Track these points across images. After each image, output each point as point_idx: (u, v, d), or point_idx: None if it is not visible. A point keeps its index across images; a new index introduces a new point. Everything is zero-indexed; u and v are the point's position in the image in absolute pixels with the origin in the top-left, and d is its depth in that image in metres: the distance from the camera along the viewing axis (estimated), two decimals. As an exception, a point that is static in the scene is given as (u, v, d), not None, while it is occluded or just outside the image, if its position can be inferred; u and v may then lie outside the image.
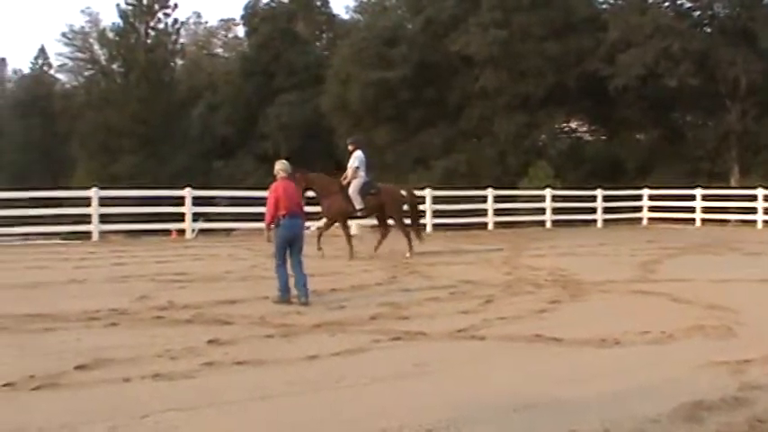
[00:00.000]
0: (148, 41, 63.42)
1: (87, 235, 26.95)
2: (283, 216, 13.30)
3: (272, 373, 8.61)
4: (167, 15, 64.08)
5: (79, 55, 77.88)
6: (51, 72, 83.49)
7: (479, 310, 12.54)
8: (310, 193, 20.73)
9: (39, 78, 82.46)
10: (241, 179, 52.45)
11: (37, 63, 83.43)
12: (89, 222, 26.80)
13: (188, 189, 28.03)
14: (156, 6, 63.42)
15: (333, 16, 70.09)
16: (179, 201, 28.14)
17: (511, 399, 7.72)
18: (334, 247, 20.75)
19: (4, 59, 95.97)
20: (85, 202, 27.48)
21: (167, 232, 30.15)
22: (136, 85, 61.03)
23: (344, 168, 21.21)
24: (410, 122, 51.60)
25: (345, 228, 21.13)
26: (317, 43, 69.53)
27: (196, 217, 28.99)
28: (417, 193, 25.61)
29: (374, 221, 22.58)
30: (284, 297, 13.12)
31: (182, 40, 68.86)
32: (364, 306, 12.73)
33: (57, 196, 31.91)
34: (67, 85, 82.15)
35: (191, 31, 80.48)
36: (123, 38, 63.67)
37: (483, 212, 33.37)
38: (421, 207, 26.98)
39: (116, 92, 62.60)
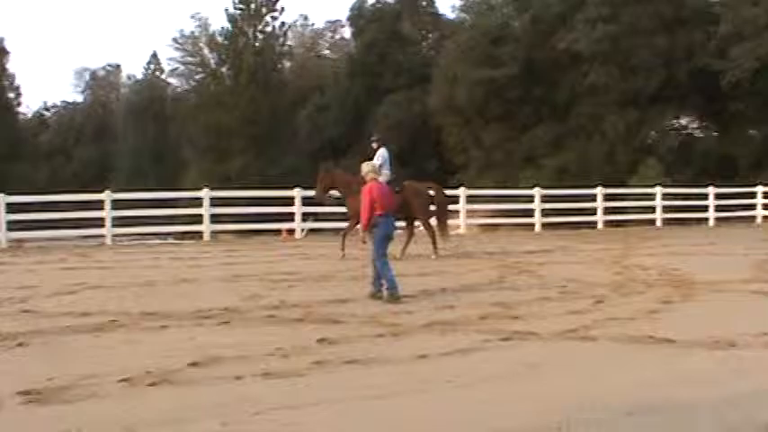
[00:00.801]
0: (257, 44, 64.35)
1: (199, 235, 27.50)
2: (380, 216, 13.61)
3: (381, 373, 8.60)
4: (275, 18, 65.02)
5: (190, 59, 79.40)
6: (163, 77, 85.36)
7: (590, 311, 12.34)
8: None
9: (151, 83, 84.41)
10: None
11: (149, 68, 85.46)
12: (201, 222, 27.34)
13: (297, 189, 28.30)
14: (264, 10, 64.33)
15: (439, 16, 69.98)
16: (288, 201, 28.46)
17: (623, 401, 7.57)
18: (439, 247, 20.64)
19: (118, 66, 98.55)
20: (197, 202, 28.05)
21: (277, 232, 30.51)
22: (245, 88, 62.01)
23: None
24: (518, 121, 51.27)
25: (354, 228, 20.61)
26: (424, 43, 69.54)
27: (305, 217, 29.26)
28: (523, 191, 25.26)
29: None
30: (396, 294, 13.23)
31: (289, 43, 69.72)
32: (474, 305, 12.64)
33: (170, 197, 32.68)
34: (179, 89, 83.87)
35: (298, 34, 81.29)
36: (232, 41, 64.76)
37: (592, 211, 32.90)
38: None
39: (226, 94, 63.71)
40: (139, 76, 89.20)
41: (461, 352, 9.47)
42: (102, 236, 26.90)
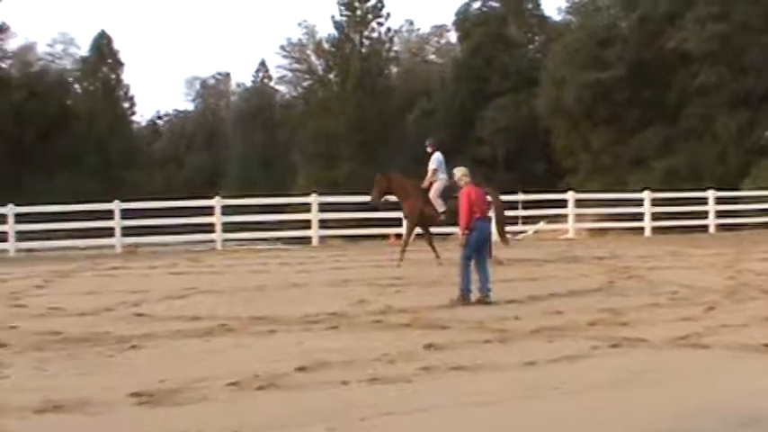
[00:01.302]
0: (363, 50, 64.74)
1: (308, 240, 27.77)
2: (477, 219, 13.71)
3: (488, 379, 8.53)
4: (381, 24, 65.28)
5: (297, 66, 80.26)
6: (271, 84, 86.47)
7: (702, 317, 12.01)
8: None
9: (260, 90, 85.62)
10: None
11: (258, 76, 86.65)
12: (310, 228, 27.61)
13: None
14: (370, 16, 64.67)
15: (544, 18, 69.37)
16: (396, 205, 28.44)
17: (736, 411, 7.34)
18: (547, 252, 20.41)
19: (228, 74, 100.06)
20: (306, 207, 28.34)
21: (385, 237, 30.59)
22: (352, 93, 62.42)
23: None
24: (627, 123, 50.45)
25: (427, 232, 20.46)
26: (530, 46, 69.01)
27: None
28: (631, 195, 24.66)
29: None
30: (467, 296, 13.40)
31: (395, 48, 69.92)
32: (582, 311, 12.44)
33: (279, 203, 33.06)
34: (287, 96, 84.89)
35: (404, 39, 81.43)
36: (339, 48, 65.28)
37: (704, 215, 32.08)
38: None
39: (333, 100, 64.24)
40: (248, 83, 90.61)
41: (569, 358, 9.33)
42: (213, 241, 27.39)
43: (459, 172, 14.54)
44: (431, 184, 19.94)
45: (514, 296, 13.80)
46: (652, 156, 48.55)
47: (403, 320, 11.86)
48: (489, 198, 20.24)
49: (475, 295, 13.64)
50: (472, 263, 13.74)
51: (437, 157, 20.14)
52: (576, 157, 53.77)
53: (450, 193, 19.50)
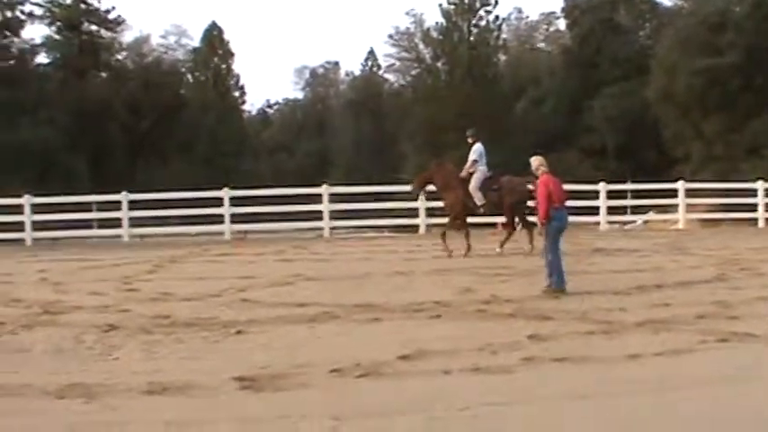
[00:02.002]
0: (471, 39, 64.32)
1: (414, 228, 27.81)
2: (556, 209, 13.55)
3: (591, 372, 8.40)
4: (489, 12, 64.68)
5: (405, 55, 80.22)
6: (380, 72, 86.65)
7: (818, 312, 11.59)
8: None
9: (369, 79, 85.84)
10: (565, 172, 51.99)
11: (367, 65, 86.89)
12: (416, 216, 27.65)
13: (512, 182, 28.15)
14: (478, 4, 64.17)
15: (656, 4, 67.77)
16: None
17: None
18: (656, 242, 20.02)
19: (337, 63, 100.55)
20: (413, 196, 28.35)
21: (492, 225, 30.42)
22: (460, 82, 62.16)
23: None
24: (740, 111, 48.99)
25: (465, 224, 20.09)
26: (640, 32, 67.54)
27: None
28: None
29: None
30: (561, 286, 13.27)
31: (504, 36, 69.25)
32: (690, 304, 12.12)
33: (386, 191, 33.15)
34: (395, 85, 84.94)
35: (512, 27, 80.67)
36: (447, 36, 64.97)
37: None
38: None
39: (441, 89, 64.04)
40: (357, 72, 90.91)
41: (675, 352, 9.10)
42: (320, 228, 27.66)
43: (535, 161, 14.23)
44: (470, 174, 19.74)
45: (621, 287, 13.57)
46: (766, 144, 47.12)
47: (507, 310, 11.77)
48: (531, 188, 20.11)
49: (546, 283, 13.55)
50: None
51: (477, 148, 19.98)
52: (687, 145, 52.55)
53: (489, 185, 19.60)
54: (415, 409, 7.11)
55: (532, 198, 19.85)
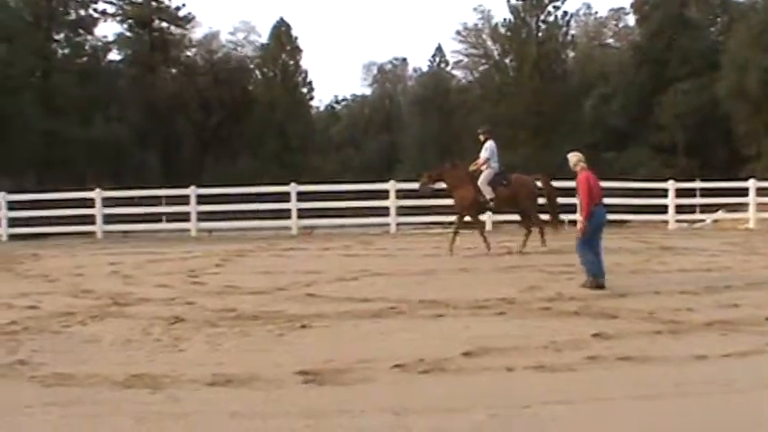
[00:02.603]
0: (539, 35, 63.98)
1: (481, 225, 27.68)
2: (596, 205, 13.59)
3: (656, 372, 8.28)
4: (557, 8, 64.30)
5: (473, 51, 79.97)
6: (448, 69, 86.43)
7: None
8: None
9: (436, 75, 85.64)
10: (633, 170, 51.42)
11: (434, 61, 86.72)
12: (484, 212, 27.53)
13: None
14: (546, 0, 63.81)
15: (727, -1, 66.75)
16: (571, 192, 28.12)
17: None
18: (725, 241, 19.66)
19: (404, 59, 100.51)
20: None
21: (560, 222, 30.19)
22: (529, 78, 61.86)
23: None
24: (813, 107, 48.13)
25: (477, 221, 20.29)
26: (711, 28, 66.50)
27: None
28: None
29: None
30: (600, 280, 13.33)
31: (572, 32, 68.74)
32: (761, 305, 11.83)
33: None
34: (463, 81, 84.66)
35: (581, 23, 79.97)
36: (515, 32, 64.70)
37: None
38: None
39: (509, 85, 63.83)
40: (425, 68, 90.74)
41: (743, 354, 8.92)
42: (387, 224, 27.71)
43: (574, 158, 14.16)
44: (479, 170, 19.74)
45: (689, 287, 13.36)
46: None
47: (572, 308, 11.67)
48: (540, 184, 20.21)
49: (583, 279, 13.66)
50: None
51: (490, 146, 19.88)
52: (758, 143, 51.68)
53: (499, 181, 19.55)
54: (476, 406, 7.09)
55: (542, 195, 19.96)
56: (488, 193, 19.52)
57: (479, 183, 19.53)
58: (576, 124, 61.04)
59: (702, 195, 30.93)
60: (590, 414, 6.98)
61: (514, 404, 7.15)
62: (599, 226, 13.79)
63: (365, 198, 28.77)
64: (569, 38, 67.15)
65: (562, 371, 8.25)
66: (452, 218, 29.71)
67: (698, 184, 30.24)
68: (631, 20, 74.24)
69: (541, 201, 20.52)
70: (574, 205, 25.99)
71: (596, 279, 13.42)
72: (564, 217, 27.10)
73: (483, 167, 19.72)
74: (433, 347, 9.22)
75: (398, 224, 28.01)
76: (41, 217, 28.24)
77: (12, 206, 28.08)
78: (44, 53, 54.93)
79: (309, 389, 7.77)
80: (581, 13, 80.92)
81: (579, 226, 14.02)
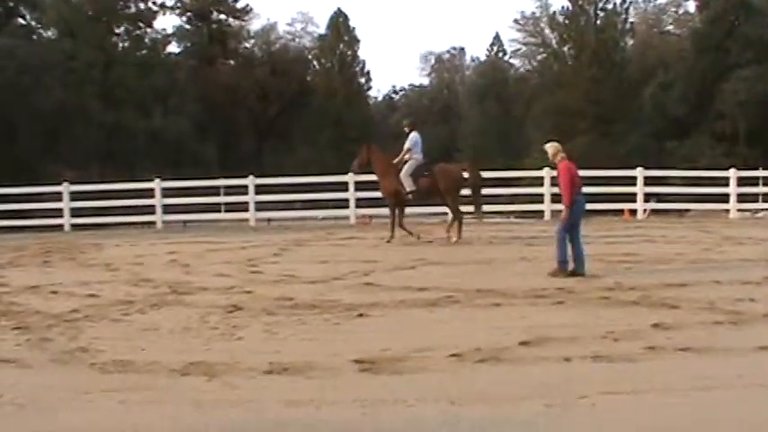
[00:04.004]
0: (598, 23, 63.41)
1: (540, 214, 27.59)
2: (577, 194, 13.97)
3: (717, 363, 8.14)
4: (616, -5, 63.64)
5: (531, 40, 79.44)
6: (506, 58, 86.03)
7: None
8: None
9: (494, 64, 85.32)
10: (694, 159, 50.78)
11: (492, 50, 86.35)
12: (542, 202, 27.43)
13: (639, 169, 27.71)
14: (605, -13, 63.24)
15: (791, -17, 65.41)
16: (631, 180, 27.91)
17: None
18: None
19: (462, 48, 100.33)
20: (538, 181, 28.17)
21: (619, 212, 29.95)
22: (587, 67, 61.35)
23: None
24: None
25: (394, 210, 20.13)
26: (775, 14, 65.27)
27: (648, 197, 28.54)
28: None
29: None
30: (565, 267, 13.66)
31: (631, 20, 67.97)
32: (826, 294, 11.64)
33: (512, 176, 32.96)
34: (521, 70, 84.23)
35: (640, 10, 78.78)
36: (573, 20, 64.22)
37: None
38: None
39: (568, 74, 63.37)
40: (482, 57, 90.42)
41: (807, 345, 8.75)
42: (445, 213, 27.63)
43: (552, 148, 14.51)
44: (404, 162, 19.81)
45: (751, 277, 13.13)
46: None
47: (631, 298, 11.53)
48: (466, 174, 20.13)
49: (570, 266, 13.80)
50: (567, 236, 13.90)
51: (413, 137, 20.06)
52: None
53: (421, 172, 19.56)
54: (533, 396, 7.04)
55: (466, 186, 19.78)
56: (409, 185, 19.64)
57: (401, 174, 19.68)
58: (636, 113, 60.39)
59: (765, 184, 30.40)
60: (649, 405, 6.89)
61: (571, 394, 7.08)
62: (579, 214, 14.09)
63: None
64: (628, 25, 66.42)
65: (620, 361, 8.16)
66: (501, 207, 29.93)
67: (760, 173, 29.72)
68: (691, 6, 73.15)
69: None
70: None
71: (563, 266, 13.73)
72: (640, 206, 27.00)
73: (406, 157, 19.91)
74: (489, 337, 9.18)
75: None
76: (103, 207, 28.65)
77: (74, 197, 28.50)
78: (105, 47, 55.69)
79: (365, 378, 7.78)
80: (640, 0, 79.95)
81: (563, 215, 14.12)
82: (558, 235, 13.97)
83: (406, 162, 19.87)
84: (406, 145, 20.09)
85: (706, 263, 15.35)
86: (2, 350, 9.22)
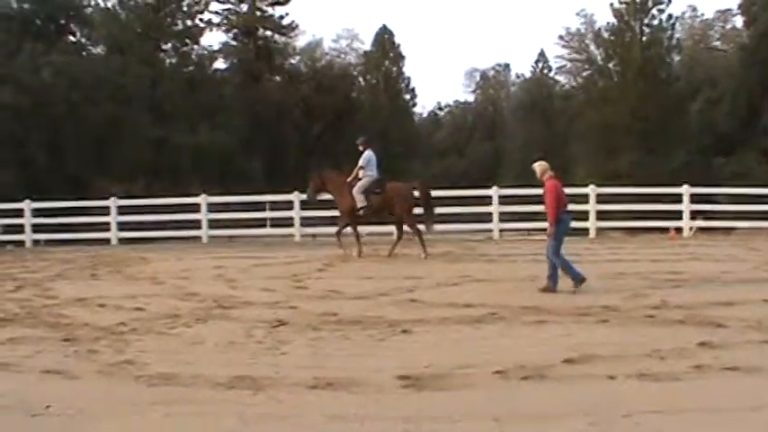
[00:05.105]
0: (644, 39, 62.90)
1: (585, 231, 27.41)
2: (563, 212, 14.29)
3: (765, 383, 8.06)
4: (661, 11, 63.04)
5: (576, 56, 79.29)
6: (551, 74, 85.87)
7: None
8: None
9: (539, 81, 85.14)
10: (742, 176, 50.19)
11: (537, 66, 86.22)
12: (587, 219, 27.26)
13: (686, 186, 27.46)
14: (650, 3, 62.64)
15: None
16: (677, 198, 27.68)
17: None
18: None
19: (507, 65, 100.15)
20: (583, 199, 28.02)
21: (665, 230, 29.70)
22: (633, 83, 60.84)
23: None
24: None
25: (353, 226, 20.82)
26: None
27: (693, 215, 28.26)
28: None
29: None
30: (579, 280, 14.05)
31: (678, 35, 67.41)
32: None
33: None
34: (566, 86, 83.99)
35: (686, 25, 78.40)
36: (618, 36, 63.72)
37: None
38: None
39: (613, 90, 62.88)
40: (527, 74, 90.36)
41: None
42: (490, 230, 27.61)
43: (540, 167, 14.80)
44: (356, 179, 20.36)
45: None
46: None
47: (677, 316, 11.43)
48: (417, 193, 20.55)
49: (542, 283, 14.29)
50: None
51: (366, 156, 20.60)
52: None
53: (373, 189, 20.10)
54: (577, 414, 7.01)
55: (418, 205, 20.38)
56: (360, 202, 20.17)
57: (354, 191, 20.22)
58: (683, 129, 59.85)
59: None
60: (694, 425, 6.83)
61: (615, 413, 7.05)
62: (566, 230, 14.52)
63: (468, 204, 28.71)
64: (674, 41, 65.80)
65: (666, 380, 8.10)
66: (546, 225, 29.75)
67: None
68: (739, 21, 72.48)
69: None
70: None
71: (578, 281, 14.09)
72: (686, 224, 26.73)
73: (360, 175, 20.41)
74: (534, 354, 9.16)
75: (501, 230, 27.87)
76: (150, 221, 28.93)
77: (122, 211, 28.83)
78: (153, 63, 56.29)
79: (409, 394, 7.80)
80: (686, 15, 79.39)
81: (549, 231, 14.39)
82: (553, 257, 14.26)
83: (359, 179, 20.42)
84: (360, 163, 20.66)
85: (753, 281, 15.18)
86: (51, 361, 9.37)
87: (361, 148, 20.99)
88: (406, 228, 20.64)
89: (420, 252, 19.94)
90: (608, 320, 11.28)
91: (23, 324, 11.95)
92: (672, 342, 9.68)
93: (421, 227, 20.44)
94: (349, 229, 21.03)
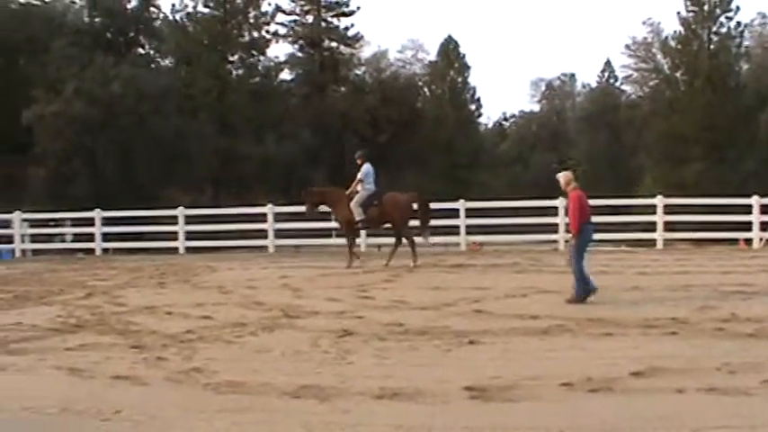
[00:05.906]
0: (711, 47, 62.10)
1: (652, 243, 27.11)
2: (585, 223, 14.26)
3: (839, 398, 7.90)
4: (729, 19, 62.20)
5: (642, 65, 78.43)
6: (617, 84, 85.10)
7: None
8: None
9: (605, 90, 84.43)
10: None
11: (603, 76, 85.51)
12: (654, 230, 26.95)
13: (755, 197, 27.00)
14: (718, 11, 61.84)
15: None
16: (747, 208, 27.22)
17: None
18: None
19: (573, 75, 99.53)
20: (651, 210, 27.69)
21: (734, 241, 29.23)
22: (701, 92, 60.09)
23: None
24: None
25: (351, 239, 21.60)
26: None
27: (765, 226, 27.76)
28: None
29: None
30: (586, 292, 14.04)
31: (746, 43, 66.41)
32: None
33: (623, 204, 32.48)
34: (632, 96, 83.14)
35: (755, 33, 77.07)
36: (686, 45, 62.98)
37: None
38: None
39: (681, 100, 62.16)
40: (593, 84, 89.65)
41: None
42: (555, 241, 27.43)
43: (565, 178, 14.66)
44: (356, 192, 20.73)
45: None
46: None
47: (748, 330, 11.23)
48: (415, 205, 20.85)
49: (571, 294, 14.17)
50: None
51: (365, 169, 20.95)
52: None
53: (371, 201, 20.43)
54: (645, 428, 6.95)
55: (415, 217, 20.66)
56: (358, 214, 20.58)
57: (352, 204, 20.58)
58: (752, 139, 58.93)
59: None
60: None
61: (684, 427, 6.97)
62: (588, 241, 14.52)
63: (534, 215, 28.57)
64: (743, 49, 64.86)
65: (736, 394, 7.97)
66: (612, 236, 29.48)
67: None
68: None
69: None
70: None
71: (584, 293, 14.07)
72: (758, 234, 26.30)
73: (358, 188, 20.77)
74: (601, 366, 9.08)
75: (566, 241, 27.67)
76: (216, 231, 29.25)
77: (189, 220, 29.21)
78: (219, 74, 56.98)
79: (475, 405, 7.79)
80: (755, 23, 77.96)
81: (572, 242, 14.47)
82: (576, 267, 14.21)
83: (357, 192, 20.82)
84: (358, 176, 21.02)
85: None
86: (120, 368, 9.55)
87: (359, 162, 21.42)
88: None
89: (410, 260, 20.42)
90: (676, 333, 11.12)
91: (94, 330, 12.21)
92: (742, 356, 9.53)
93: (418, 239, 21.02)
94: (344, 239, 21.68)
